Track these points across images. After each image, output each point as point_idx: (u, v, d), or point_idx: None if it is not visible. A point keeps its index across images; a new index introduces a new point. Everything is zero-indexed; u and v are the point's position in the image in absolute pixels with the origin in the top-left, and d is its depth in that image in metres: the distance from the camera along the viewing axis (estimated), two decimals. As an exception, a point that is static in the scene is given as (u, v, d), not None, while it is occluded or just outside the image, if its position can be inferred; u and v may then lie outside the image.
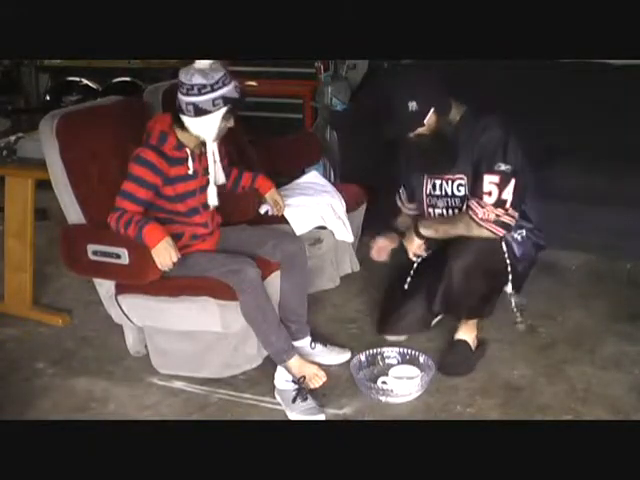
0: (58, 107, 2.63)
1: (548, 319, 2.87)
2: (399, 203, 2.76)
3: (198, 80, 2.20)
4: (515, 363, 2.55)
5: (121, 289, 2.44)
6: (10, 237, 2.98)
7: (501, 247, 2.40)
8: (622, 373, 2.46)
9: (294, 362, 2.36)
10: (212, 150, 2.34)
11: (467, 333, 2.53)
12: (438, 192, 2.52)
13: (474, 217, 2.36)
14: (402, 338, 2.68)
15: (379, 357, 2.54)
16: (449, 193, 2.50)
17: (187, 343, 2.44)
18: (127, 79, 5.55)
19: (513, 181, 2.34)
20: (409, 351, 2.53)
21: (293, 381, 2.31)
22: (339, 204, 2.88)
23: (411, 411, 2.29)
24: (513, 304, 2.56)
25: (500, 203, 2.33)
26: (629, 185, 3.28)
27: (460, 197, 2.48)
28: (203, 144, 2.36)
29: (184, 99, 2.25)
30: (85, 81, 5.76)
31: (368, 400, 2.35)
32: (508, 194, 2.34)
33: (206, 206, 2.44)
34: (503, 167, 2.34)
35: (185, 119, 2.28)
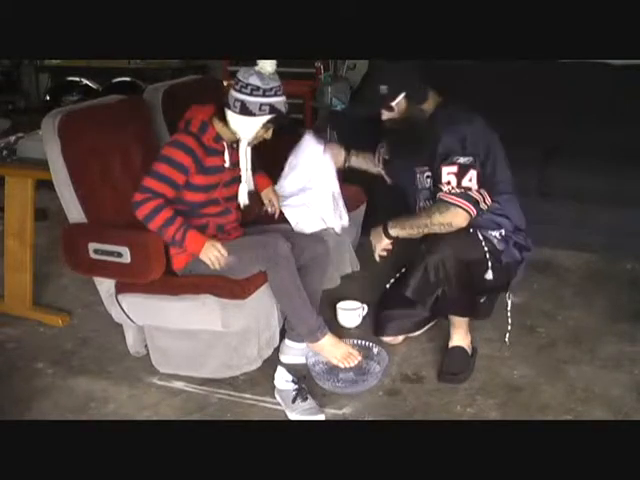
0: (58, 107, 2.62)
1: (548, 319, 2.87)
2: (375, 159, 2.74)
3: (254, 81, 2.26)
4: (515, 363, 2.55)
5: (121, 288, 2.44)
6: (10, 237, 2.97)
7: (478, 237, 2.38)
8: (622, 373, 2.47)
9: (327, 341, 2.38)
10: (244, 150, 2.39)
11: (461, 339, 2.50)
12: (420, 186, 2.52)
13: (440, 196, 2.33)
14: (399, 339, 2.68)
15: None
16: (425, 186, 2.50)
17: (187, 342, 2.44)
18: (127, 79, 5.56)
19: (473, 172, 2.30)
20: (363, 342, 2.53)
21: (293, 381, 2.31)
22: (334, 181, 2.77)
23: (411, 411, 2.29)
24: (509, 306, 2.57)
25: (462, 189, 2.30)
26: (629, 185, 3.29)
27: (427, 188, 2.48)
28: (236, 142, 2.41)
29: (234, 95, 2.30)
30: (85, 81, 5.77)
31: (368, 400, 2.35)
32: (470, 182, 2.30)
33: (230, 199, 2.49)
34: (461, 160, 2.31)
35: (229, 113, 2.33)
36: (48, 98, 5.86)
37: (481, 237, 2.38)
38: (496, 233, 2.42)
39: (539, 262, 3.24)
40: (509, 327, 2.62)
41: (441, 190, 2.33)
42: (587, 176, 3.33)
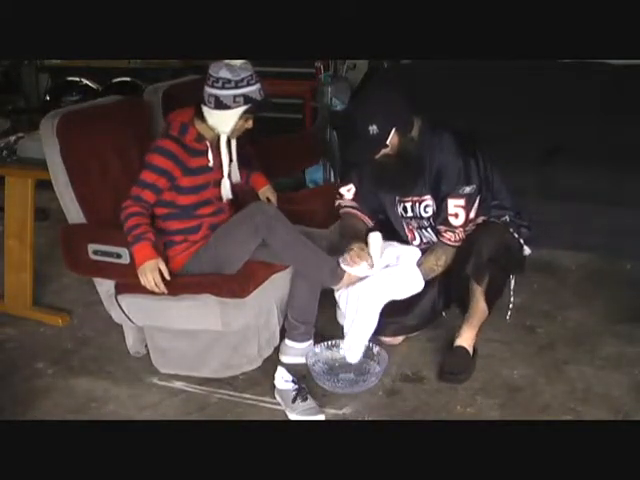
0: (58, 107, 2.62)
1: (548, 319, 2.87)
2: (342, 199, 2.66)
3: (224, 74, 2.26)
4: (515, 363, 2.55)
5: (121, 288, 2.45)
6: (10, 237, 2.98)
7: (503, 224, 2.50)
8: (622, 373, 2.46)
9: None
10: (225, 144, 2.39)
11: (468, 339, 2.49)
12: (410, 214, 2.56)
13: (448, 242, 2.44)
14: (399, 339, 2.68)
15: (334, 348, 2.53)
16: (418, 215, 2.54)
17: (187, 342, 2.44)
18: (127, 79, 5.55)
19: (477, 198, 2.41)
20: None
21: (293, 381, 2.31)
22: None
23: (411, 411, 2.29)
24: (512, 286, 2.66)
25: (467, 222, 2.41)
26: (629, 185, 3.29)
27: (427, 218, 2.52)
28: (219, 138, 2.39)
29: (208, 90, 2.30)
30: (85, 81, 5.77)
31: (368, 400, 2.35)
32: (474, 211, 2.42)
33: (220, 198, 2.48)
34: (467, 189, 2.38)
35: (205, 110, 2.34)
36: (48, 98, 5.85)
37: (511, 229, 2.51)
38: (500, 221, 2.52)
39: (539, 262, 3.24)
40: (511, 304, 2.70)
41: (448, 222, 2.40)
42: (587, 176, 3.33)
